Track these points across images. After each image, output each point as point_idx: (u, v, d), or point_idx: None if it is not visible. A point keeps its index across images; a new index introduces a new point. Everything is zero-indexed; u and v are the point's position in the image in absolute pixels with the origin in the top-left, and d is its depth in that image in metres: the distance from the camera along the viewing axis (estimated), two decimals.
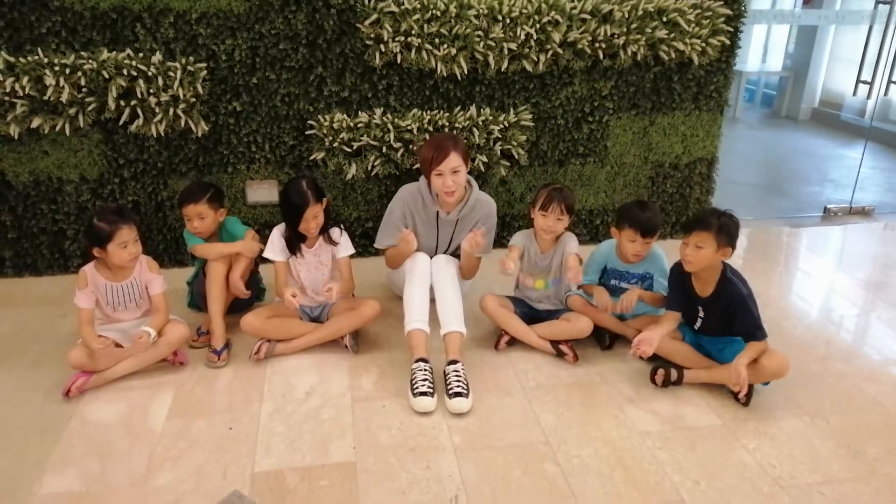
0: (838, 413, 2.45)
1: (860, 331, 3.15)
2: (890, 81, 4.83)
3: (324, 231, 2.81)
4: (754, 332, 2.43)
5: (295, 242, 2.78)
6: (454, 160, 2.70)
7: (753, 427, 2.36)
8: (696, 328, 2.59)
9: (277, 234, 2.81)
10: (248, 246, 2.86)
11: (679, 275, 2.59)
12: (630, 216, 2.70)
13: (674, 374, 2.56)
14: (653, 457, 2.21)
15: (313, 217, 2.70)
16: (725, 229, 2.38)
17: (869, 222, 4.59)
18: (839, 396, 2.56)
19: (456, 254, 3.01)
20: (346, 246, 2.86)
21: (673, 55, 3.56)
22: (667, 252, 2.86)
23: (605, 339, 2.85)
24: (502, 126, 3.52)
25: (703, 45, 3.56)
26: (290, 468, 2.14)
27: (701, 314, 2.56)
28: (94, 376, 2.52)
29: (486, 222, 2.95)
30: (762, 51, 8.98)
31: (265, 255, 2.81)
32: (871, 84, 4.80)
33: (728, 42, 3.63)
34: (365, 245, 3.74)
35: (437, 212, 2.91)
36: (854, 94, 5.07)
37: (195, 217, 2.80)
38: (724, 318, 2.51)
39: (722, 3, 3.54)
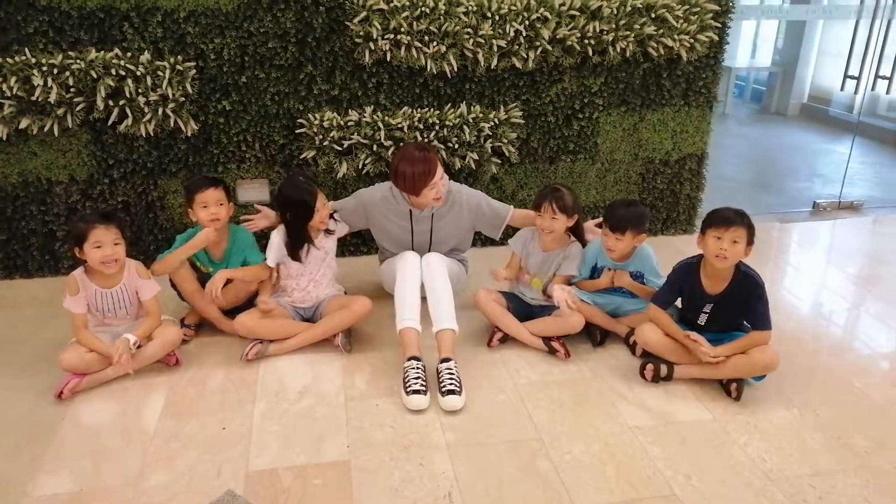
0: (828, 406, 2.47)
1: (849, 325, 3.17)
2: (877, 76, 4.88)
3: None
4: (766, 321, 2.47)
5: (299, 245, 2.78)
6: (440, 171, 2.76)
7: (744, 421, 2.38)
8: (700, 325, 2.61)
9: (278, 240, 2.81)
10: (202, 235, 2.78)
11: (686, 273, 2.60)
12: (607, 210, 2.79)
13: (664, 369, 2.58)
14: (644, 452, 2.22)
15: (323, 206, 2.76)
16: (752, 227, 2.46)
17: (858, 217, 4.63)
18: (829, 390, 2.58)
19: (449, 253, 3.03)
20: (342, 227, 2.98)
21: (662, 51, 3.57)
22: (658, 248, 2.88)
23: (596, 336, 2.87)
24: (493, 123, 3.53)
25: (692, 41, 3.58)
26: (284, 467, 2.14)
27: (706, 311, 2.58)
28: (86, 377, 2.52)
29: (475, 209, 2.97)
30: (751, 46, 9.02)
31: (270, 262, 2.83)
32: (858, 79, 4.84)
33: (716, 38, 3.65)
34: (357, 244, 3.74)
35: (410, 210, 2.92)
36: (842, 89, 5.12)
37: (214, 203, 2.76)
38: (736, 312, 2.55)
39: None
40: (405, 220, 2.95)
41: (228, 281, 2.79)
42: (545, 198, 2.75)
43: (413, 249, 2.96)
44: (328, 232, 2.89)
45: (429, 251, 2.93)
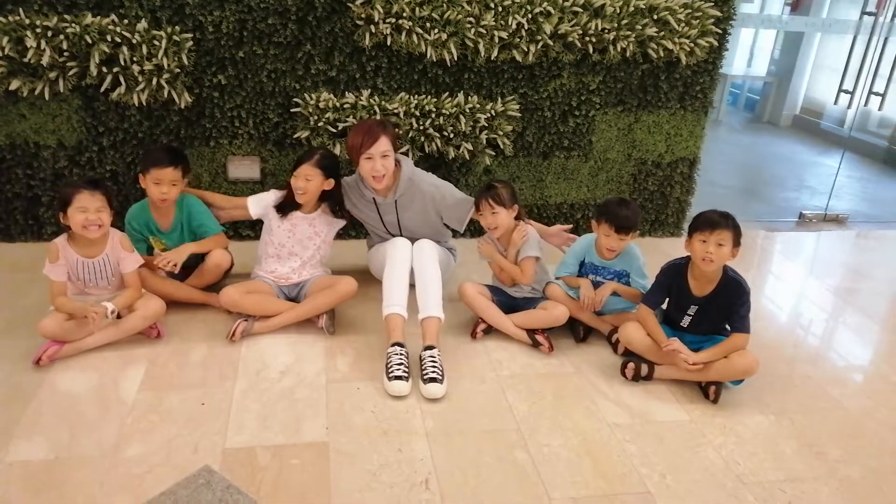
0: (803, 414, 2.51)
1: (827, 335, 3.22)
2: (871, 92, 4.92)
3: (330, 203, 2.93)
4: (745, 324, 2.50)
5: (288, 204, 2.86)
6: (383, 144, 2.71)
7: (720, 424, 2.41)
8: (684, 326, 2.63)
9: (272, 195, 2.93)
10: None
11: (674, 274, 2.62)
12: (608, 211, 2.77)
13: (644, 368, 2.60)
14: (621, 449, 2.24)
15: (304, 177, 2.76)
16: (738, 228, 2.48)
17: (842, 230, 4.68)
18: (804, 398, 2.62)
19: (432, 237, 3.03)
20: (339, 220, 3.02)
21: (661, 53, 3.58)
22: (645, 250, 2.90)
23: (579, 332, 2.88)
24: (489, 115, 3.52)
25: (692, 45, 3.59)
26: (262, 446, 2.14)
27: (690, 313, 2.60)
28: (66, 346, 2.49)
29: (439, 200, 2.94)
30: (748, 55, 9.07)
31: (252, 208, 2.93)
32: (852, 94, 4.89)
33: (716, 43, 3.66)
34: (344, 228, 3.72)
35: (374, 198, 2.91)
36: (835, 102, 5.16)
37: (168, 183, 2.74)
38: (720, 316, 2.58)
39: (712, 4, 3.57)
40: (371, 210, 2.96)
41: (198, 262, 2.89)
42: (480, 197, 2.80)
43: (389, 234, 2.98)
44: (336, 214, 2.94)
45: (392, 237, 2.94)
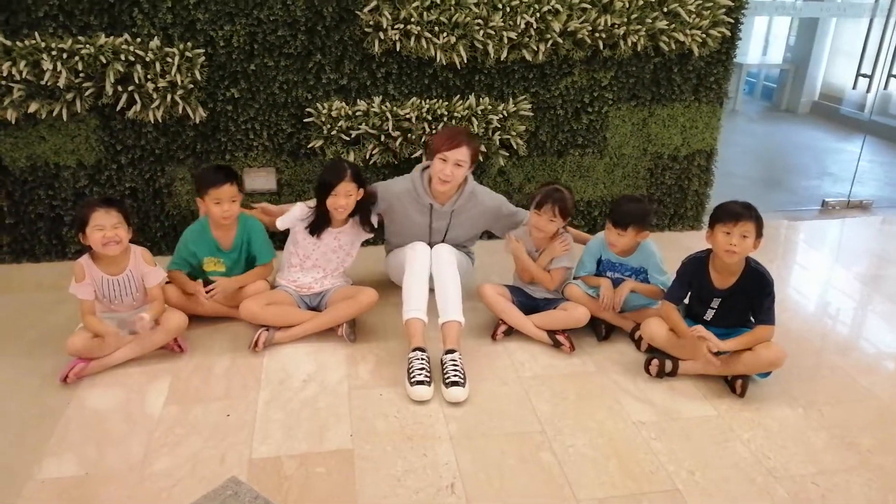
0: (832, 405, 2.47)
1: (856, 324, 3.16)
2: (890, 75, 4.83)
3: (362, 216, 2.91)
4: (770, 316, 2.47)
5: (320, 223, 2.85)
6: (461, 154, 2.73)
7: (748, 418, 2.38)
8: (707, 320, 2.60)
9: (299, 210, 2.90)
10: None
11: (695, 268, 2.59)
12: (614, 205, 2.80)
13: (668, 364, 2.57)
14: (648, 447, 2.22)
15: (345, 194, 2.75)
16: (761, 219, 2.46)
17: (867, 216, 4.60)
18: (833, 388, 2.57)
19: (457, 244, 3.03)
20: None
21: (673, 46, 3.55)
22: (665, 244, 2.87)
23: (601, 330, 2.86)
24: (501, 116, 3.51)
25: (704, 36, 3.55)
26: (288, 455, 2.15)
27: (713, 306, 2.57)
28: (92, 363, 2.53)
29: (495, 211, 2.98)
30: (763, 43, 8.95)
31: (279, 223, 2.93)
32: (871, 78, 4.80)
33: (729, 33, 3.62)
34: None
35: (431, 204, 2.91)
36: (854, 87, 5.07)
37: (228, 200, 2.74)
38: (743, 308, 2.55)
39: None
40: (424, 216, 2.95)
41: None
42: (548, 198, 2.76)
43: (429, 241, 2.96)
44: (369, 226, 2.94)
45: (429, 243, 2.93)
